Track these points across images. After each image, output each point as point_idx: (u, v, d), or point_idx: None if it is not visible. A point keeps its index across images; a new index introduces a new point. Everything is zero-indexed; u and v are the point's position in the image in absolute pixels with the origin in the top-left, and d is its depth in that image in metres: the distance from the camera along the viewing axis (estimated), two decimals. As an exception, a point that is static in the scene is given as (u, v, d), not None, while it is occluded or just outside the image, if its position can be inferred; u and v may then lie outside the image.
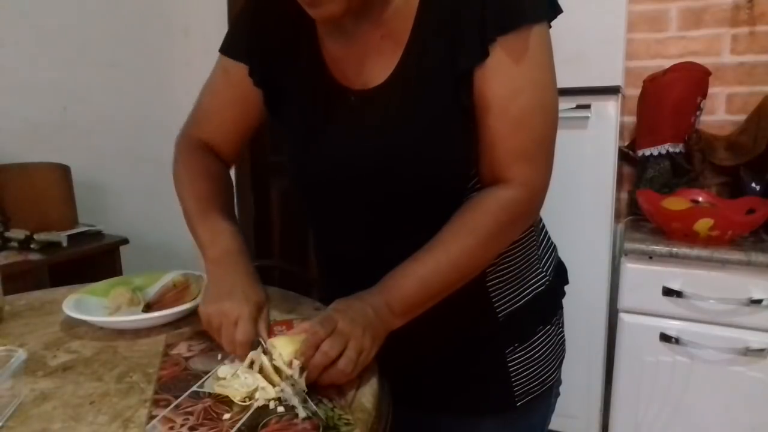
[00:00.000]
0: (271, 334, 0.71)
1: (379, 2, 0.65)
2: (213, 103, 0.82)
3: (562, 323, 0.85)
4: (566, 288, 0.86)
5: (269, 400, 0.56)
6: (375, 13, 0.66)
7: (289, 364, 0.57)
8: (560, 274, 0.85)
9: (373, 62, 0.68)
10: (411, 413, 0.77)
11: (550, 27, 0.65)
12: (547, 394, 0.81)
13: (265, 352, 0.61)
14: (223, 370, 0.61)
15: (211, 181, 0.79)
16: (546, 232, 0.85)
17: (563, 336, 0.85)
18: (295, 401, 0.55)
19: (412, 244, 0.67)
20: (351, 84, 0.70)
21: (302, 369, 0.57)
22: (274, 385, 0.57)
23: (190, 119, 0.84)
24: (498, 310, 0.75)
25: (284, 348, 0.58)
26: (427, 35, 0.65)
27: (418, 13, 0.65)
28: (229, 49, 0.78)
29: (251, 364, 0.60)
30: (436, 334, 0.73)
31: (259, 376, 0.59)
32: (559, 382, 0.84)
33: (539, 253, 0.80)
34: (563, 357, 0.84)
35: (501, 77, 0.63)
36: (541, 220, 0.84)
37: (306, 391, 0.57)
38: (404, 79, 0.66)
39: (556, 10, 0.65)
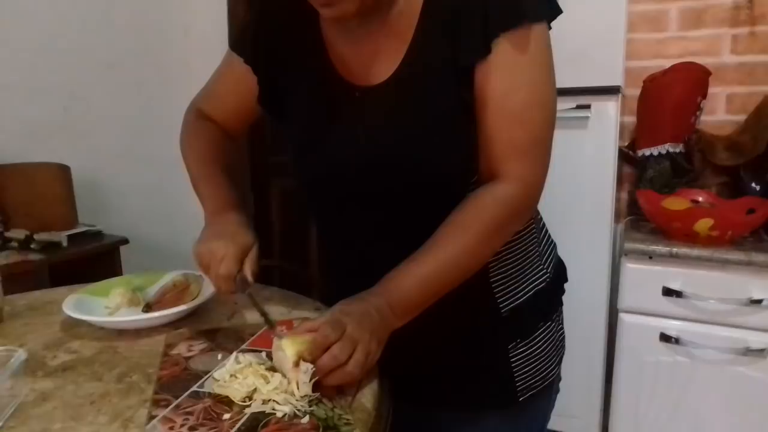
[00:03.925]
0: (273, 334, 0.71)
1: (387, 2, 0.66)
2: (218, 87, 0.88)
3: (562, 320, 0.86)
4: (566, 288, 0.87)
5: (268, 401, 0.56)
6: (382, 13, 0.67)
7: (296, 363, 0.57)
8: (560, 272, 0.85)
9: (377, 60, 0.69)
10: (413, 409, 0.78)
11: (550, 28, 0.66)
12: (548, 389, 0.81)
13: (248, 286, 0.68)
14: (219, 372, 0.61)
15: (213, 146, 0.86)
16: (546, 230, 0.85)
17: (563, 332, 0.85)
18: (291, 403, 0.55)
19: (415, 241, 0.67)
20: (356, 80, 0.71)
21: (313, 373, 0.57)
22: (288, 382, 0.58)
23: (200, 94, 0.90)
24: (501, 305, 0.76)
25: (288, 348, 0.58)
26: (430, 33, 0.66)
27: (422, 12, 0.67)
28: (235, 45, 0.82)
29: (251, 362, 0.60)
30: (439, 330, 0.74)
31: (259, 376, 0.59)
32: (559, 378, 0.85)
33: (540, 250, 0.81)
34: (563, 353, 0.85)
35: (500, 73, 0.64)
36: (541, 218, 0.84)
37: (311, 395, 0.57)
38: (408, 76, 0.67)
39: (555, 11, 0.66)
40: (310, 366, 0.57)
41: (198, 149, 0.85)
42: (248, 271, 0.70)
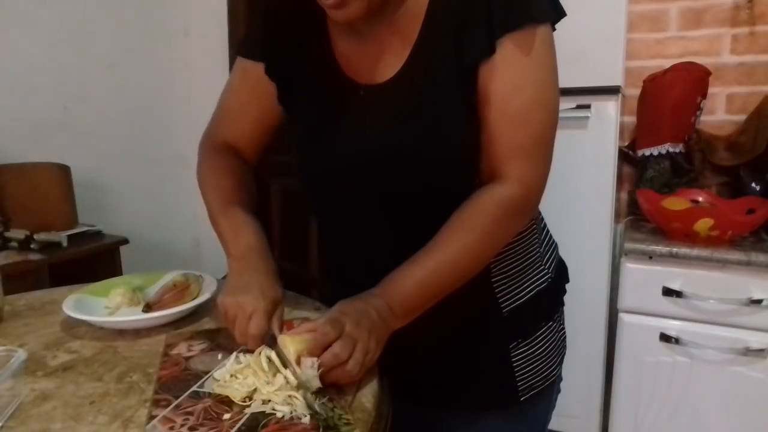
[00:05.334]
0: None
1: (393, 3, 0.67)
2: (233, 103, 0.83)
3: (563, 320, 0.86)
4: (566, 288, 0.87)
5: (268, 401, 0.56)
6: (387, 13, 0.67)
7: (297, 362, 0.57)
8: (561, 272, 0.86)
9: (382, 59, 0.69)
10: (415, 410, 0.78)
11: (554, 30, 0.66)
12: (549, 389, 0.82)
13: (275, 349, 0.62)
14: (219, 372, 0.61)
15: (233, 179, 0.80)
16: (547, 230, 0.85)
17: (564, 332, 0.86)
18: (301, 402, 0.55)
19: (416, 242, 0.67)
20: (361, 79, 0.71)
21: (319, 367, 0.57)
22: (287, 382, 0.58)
23: (212, 121, 0.85)
24: (502, 305, 0.76)
25: (288, 347, 0.58)
26: (435, 33, 0.66)
27: (428, 11, 0.67)
28: (245, 49, 0.80)
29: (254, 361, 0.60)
30: (441, 330, 0.74)
31: (259, 375, 0.59)
32: (560, 378, 0.85)
33: (541, 250, 0.81)
34: (564, 353, 0.85)
35: (504, 74, 0.64)
36: (542, 218, 0.84)
37: (320, 389, 0.57)
38: (413, 75, 0.67)
39: (560, 13, 0.67)
40: (315, 359, 0.57)
41: (218, 184, 0.79)
42: (276, 329, 0.66)
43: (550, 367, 0.80)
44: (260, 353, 0.62)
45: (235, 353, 0.64)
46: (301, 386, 0.57)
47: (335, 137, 0.72)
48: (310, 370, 0.56)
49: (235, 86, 0.82)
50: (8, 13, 1.76)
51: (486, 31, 0.63)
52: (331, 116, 0.73)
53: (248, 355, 0.63)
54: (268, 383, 0.58)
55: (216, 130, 0.85)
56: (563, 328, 0.85)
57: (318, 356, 0.58)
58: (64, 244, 1.61)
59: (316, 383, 0.57)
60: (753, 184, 1.58)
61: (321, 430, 0.52)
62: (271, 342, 0.65)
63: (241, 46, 0.82)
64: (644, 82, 1.72)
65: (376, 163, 0.69)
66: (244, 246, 0.73)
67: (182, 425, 0.52)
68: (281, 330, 0.66)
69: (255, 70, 0.78)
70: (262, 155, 0.87)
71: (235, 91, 0.83)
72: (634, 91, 1.78)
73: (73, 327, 0.77)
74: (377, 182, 0.70)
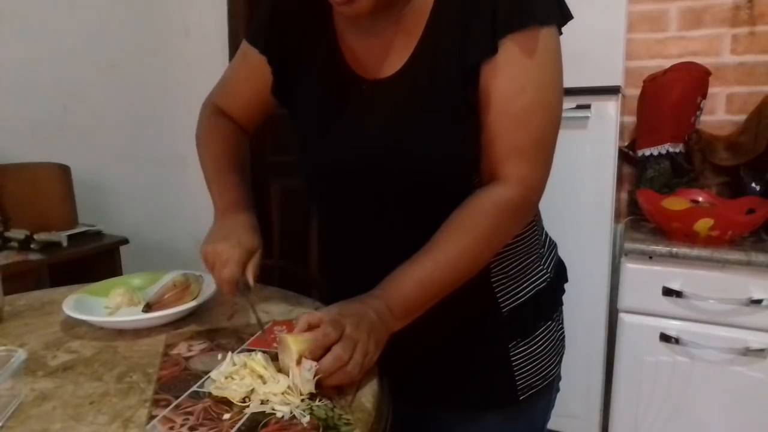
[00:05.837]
0: (270, 334, 0.71)
1: (400, 0, 0.67)
2: (232, 79, 0.88)
3: (562, 320, 0.86)
4: (566, 288, 0.87)
5: (267, 401, 0.56)
6: (394, 10, 0.68)
7: (298, 362, 0.57)
8: (560, 272, 0.86)
9: (387, 54, 0.70)
10: (414, 409, 0.78)
11: (561, 33, 0.66)
12: (548, 388, 0.82)
13: (249, 290, 0.71)
14: (215, 374, 0.61)
15: (227, 144, 0.87)
16: (545, 231, 0.85)
17: (563, 332, 0.86)
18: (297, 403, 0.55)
19: (416, 241, 0.67)
20: (365, 74, 0.72)
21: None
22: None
23: (215, 89, 0.91)
24: (502, 305, 0.76)
25: (291, 347, 0.58)
26: (440, 31, 0.67)
27: (433, 10, 0.67)
28: (250, 36, 0.83)
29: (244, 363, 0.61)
30: (441, 330, 0.74)
31: (256, 377, 0.59)
32: (559, 377, 0.85)
33: (541, 251, 0.81)
34: (563, 353, 0.85)
35: (506, 74, 0.64)
36: (541, 218, 0.84)
37: (314, 392, 0.57)
38: (416, 71, 0.68)
39: (567, 17, 0.66)
40: (313, 363, 0.57)
41: (213, 147, 0.86)
42: (250, 276, 0.72)
43: (549, 366, 0.80)
44: (255, 354, 0.62)
45: (230, 354, 0.64)
46: (295, 389, 0.57)
47: (337, 131, 0.73)
48: (307, 373, 0.56)
49: (236, 65, 0.87)
50: (8, 13, 1.76)
51: (489, 30, 0.63)
52: (333, 111, 0.73)
53: (243, 356, 0.63)
54: (264, 383, 0.58)
55: (216, 99, 0.90)
56: (562, 328, 0.85)
57: (319, 356, 0.58)
58: (64, 244, 1.61)
59: (310, 387, 0.57)
60: (753, 184, 1.58)
61: (321, 430, 0.52)
62: (245, 289, 0.71)
63: (248, 31, 0.84)
64: (644, 82, 1.72)
65: (375, 158, 0.69)
66: (229, 201, 0.80)
67: (182, 425, 0.52)
68: (256, 280, 0.73)
69: (254, 56, 0.80)
70: (257, 125, 0.93)
71: (236, 70, 0.87)
72: (634, 91, 1.78)
73: (73, 327, 0.77)
74: (376, 179, 0.70)
